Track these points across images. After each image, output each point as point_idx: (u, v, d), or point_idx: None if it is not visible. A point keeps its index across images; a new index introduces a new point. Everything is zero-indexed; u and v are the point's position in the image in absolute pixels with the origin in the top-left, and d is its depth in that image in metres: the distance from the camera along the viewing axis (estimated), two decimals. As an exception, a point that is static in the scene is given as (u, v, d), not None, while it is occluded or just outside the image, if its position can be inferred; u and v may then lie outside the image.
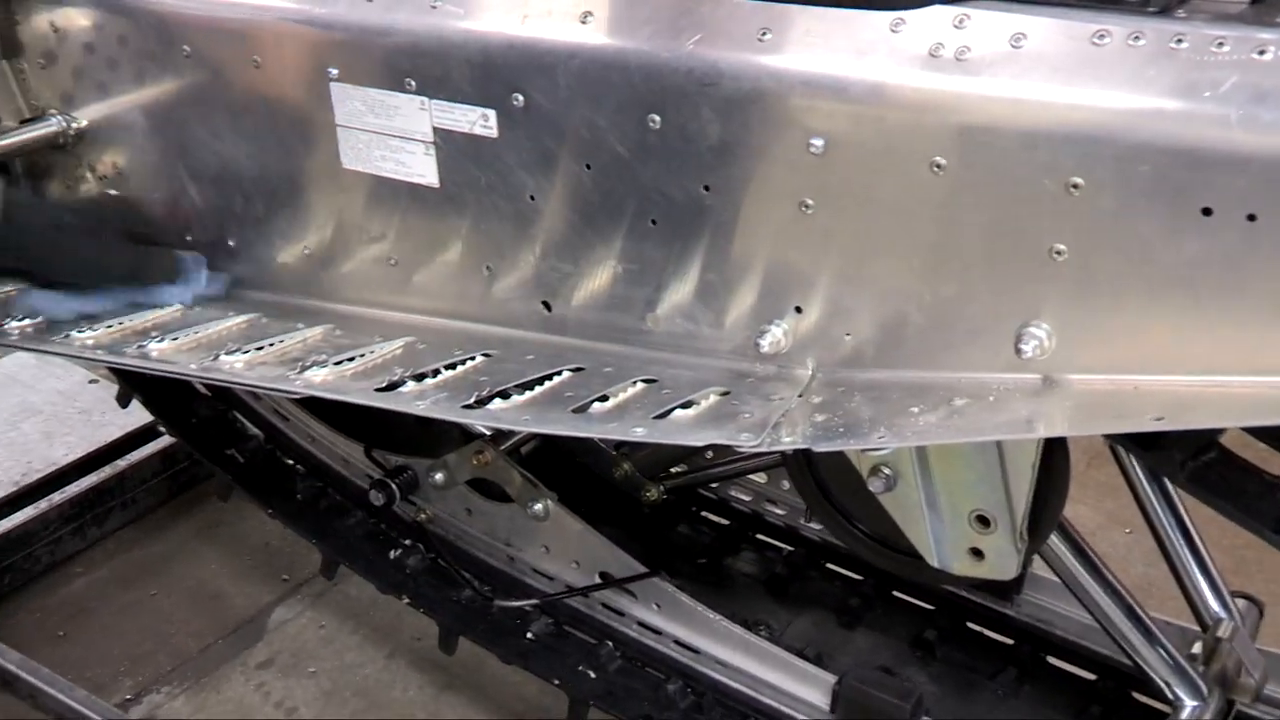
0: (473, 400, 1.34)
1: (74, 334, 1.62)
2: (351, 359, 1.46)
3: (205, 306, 1.71)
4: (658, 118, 1.30)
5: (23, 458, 2.85)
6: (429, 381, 1.39)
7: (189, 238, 1.76)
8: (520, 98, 1.38)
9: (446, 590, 2.01)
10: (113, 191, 1.80)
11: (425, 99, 1.45)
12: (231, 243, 1.72)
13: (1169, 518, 1.58)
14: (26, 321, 1.67)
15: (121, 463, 2.78)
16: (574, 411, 1.29)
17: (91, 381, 3.14)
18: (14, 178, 1.89)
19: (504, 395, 1.34)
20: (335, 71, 1.51)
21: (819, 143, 1.22)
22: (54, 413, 3.06)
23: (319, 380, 1.43)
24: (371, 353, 1.49)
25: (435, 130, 1.46)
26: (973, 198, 1.17)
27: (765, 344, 1.32)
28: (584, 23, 1.33)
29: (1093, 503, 2.84)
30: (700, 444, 1.22)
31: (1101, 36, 1.10)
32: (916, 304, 1.24)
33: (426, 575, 2.04)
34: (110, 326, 1.63)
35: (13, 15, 1.77)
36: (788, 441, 1.19)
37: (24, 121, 1.83)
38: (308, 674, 2.51)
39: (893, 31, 1.18)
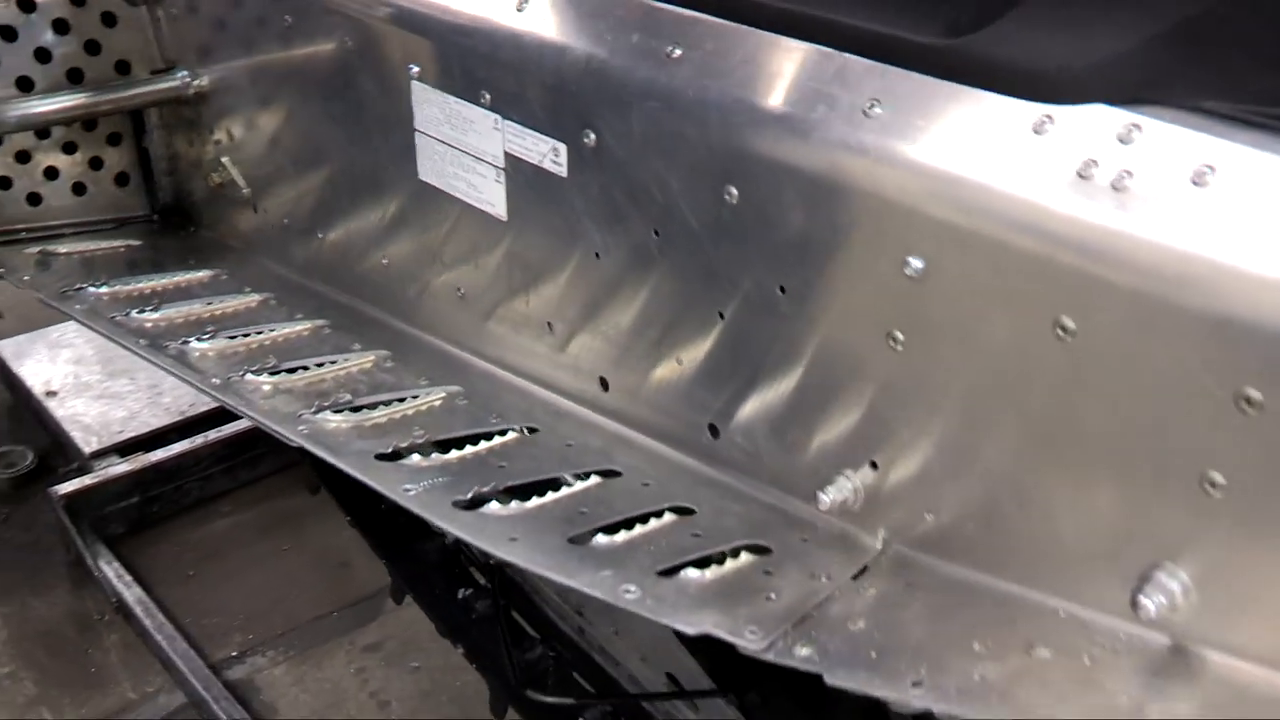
0: (470, 496, 1.11)
1: (134, 314, 1.50)
2: (374, 407, 1.27)
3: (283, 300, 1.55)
4: (735, 190, 1.02)
5: (191, 392, 2.85)
6: (437, 457, 1.17)
7: (285, 221, 1.62)
8: (592, 135, 1.12)
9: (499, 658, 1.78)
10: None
11: (499, 117, 1.22)
12: (320, 233, 1.56)
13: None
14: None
15: (284, 408, 2.73)
16: (572, 540, 1.04)
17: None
18: (148, 130, 1.80)
19: (508, 494, 1.11)
20: (416, 69, 1.30)
21: (918, 264, 0.91)
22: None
23: (329, 428, 1.24)
24: (403, 401, 1.28)
25: (506, 156, 1.23)
26: (1106, 382, 0.83)
27: (828, 498, 1.02)
28: (669, 57, 1.06)
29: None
30: (691, 631, 0.93)
31: (1329, 187, 0.73)
32: (1018, 495, 0.91)
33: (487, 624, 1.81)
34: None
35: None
36: (800, 655, 0.90)
37: (154, 73, 1.73)
38: (410, 668, 2.40)
39: (1035, 132, 0.85)
